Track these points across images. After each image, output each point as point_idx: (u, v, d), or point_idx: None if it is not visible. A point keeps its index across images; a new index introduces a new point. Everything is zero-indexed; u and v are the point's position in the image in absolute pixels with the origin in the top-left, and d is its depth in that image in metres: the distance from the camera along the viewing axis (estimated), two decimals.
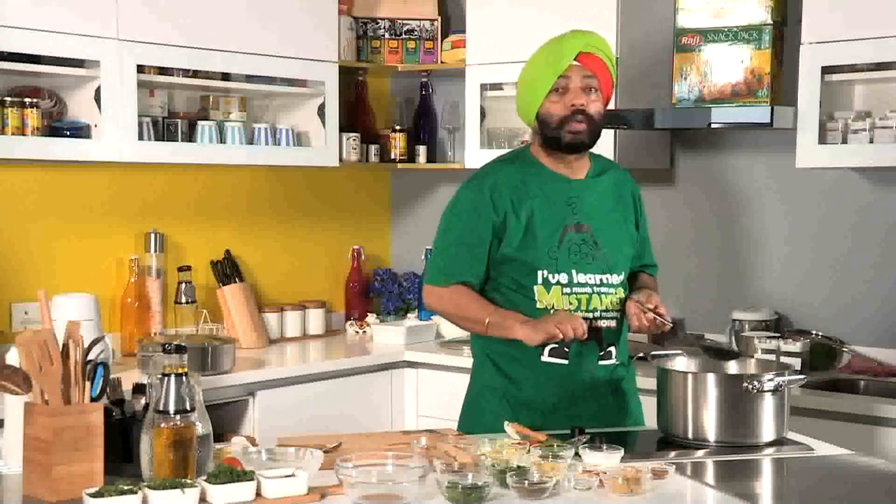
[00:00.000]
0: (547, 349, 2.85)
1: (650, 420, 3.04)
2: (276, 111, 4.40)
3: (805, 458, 2.63)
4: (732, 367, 2.89)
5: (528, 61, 2.95)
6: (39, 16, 3.47)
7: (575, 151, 2.89)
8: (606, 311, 2.88)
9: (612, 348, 2.89)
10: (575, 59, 2.84)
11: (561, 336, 2.72)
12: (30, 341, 2.24)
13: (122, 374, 2.73)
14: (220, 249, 4.35)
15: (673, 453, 2.61)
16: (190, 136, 4.04)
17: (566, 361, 2.86)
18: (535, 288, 2.85)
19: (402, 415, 4.23)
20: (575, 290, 2.85)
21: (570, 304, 2.84)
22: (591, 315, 2.85)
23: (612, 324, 2.90)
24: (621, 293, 2.91)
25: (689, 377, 2.72)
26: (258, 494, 2.18)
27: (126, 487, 2.09)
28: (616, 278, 2.91)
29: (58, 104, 3.76)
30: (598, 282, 2.87)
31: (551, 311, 2.84)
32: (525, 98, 2.93)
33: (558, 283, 2.84)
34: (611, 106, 4.02)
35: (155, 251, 4.15)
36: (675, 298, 4.38)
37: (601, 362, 2.88)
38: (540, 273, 2.84)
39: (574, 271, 2.85)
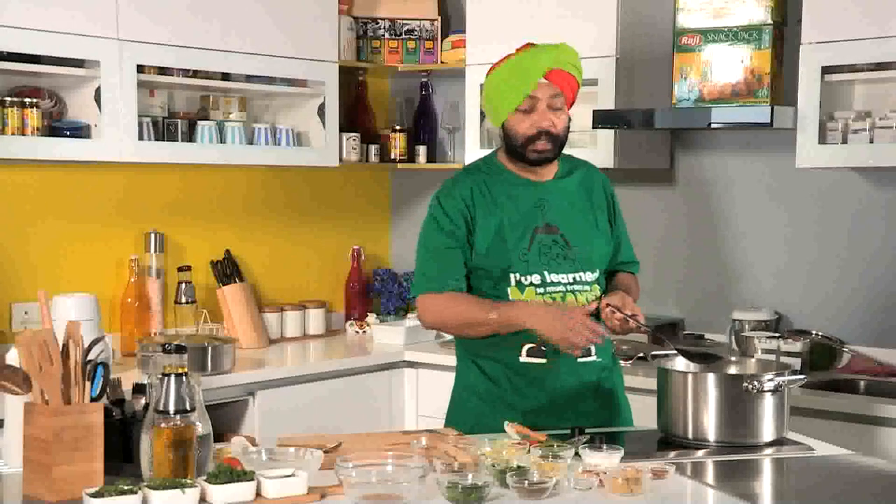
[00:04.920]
0: (525, 349, 2.87)
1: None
2: (276, 111, 4.40)
3: (805, 458, 2.63)
4: (732, 366, 2.89)
5: (495, 70, 2.91)
6: (39, 16, 3.48)
7: (539, 165, 2.92)
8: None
9: (591, 346, 2.86)
10: (544, 77, 2.82)
11: (579, 347, 2.75)
12: (30, 341, 2.25)
13: (122, 374, 2.73)
14: (220, 249, 4.35)
15: (673, 453, 2.61)
16: (190, 136, 4.04)
17: (544, 360, 2.87)
18: (509, 289, 2.87)
19: (402, 415, 4.23)
20: (549, 289, 2.87)
21: (545, 303, 2.86)
22: None
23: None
24: (597, 290, 2.93)
25: (689, 377, 2.72)
26: (258, 494, 2.18)
27: (126, 487, 2.09)
28: (590, 276, 2.92)
29: (58, 104, 3.76)
30: (571, 280, 2.89)
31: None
32: (490, 105, 2.94)
33: (531, 283, 2.86)
34: (611, 106, 4.05)
35: (155, 251, 4.15)
36: (675, 298, 4.39)
37: (580, 360, 2.88)
38: (513, 276, 2.87)
39: (546, 272, 2.87)
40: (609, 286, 3.00)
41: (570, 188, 2.98)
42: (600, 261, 2.97)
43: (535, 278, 2.86)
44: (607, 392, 2.97)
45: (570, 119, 2.93)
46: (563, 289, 2.87)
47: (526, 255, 2.87)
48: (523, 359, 2.87)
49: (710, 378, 2.70)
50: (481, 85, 3.00)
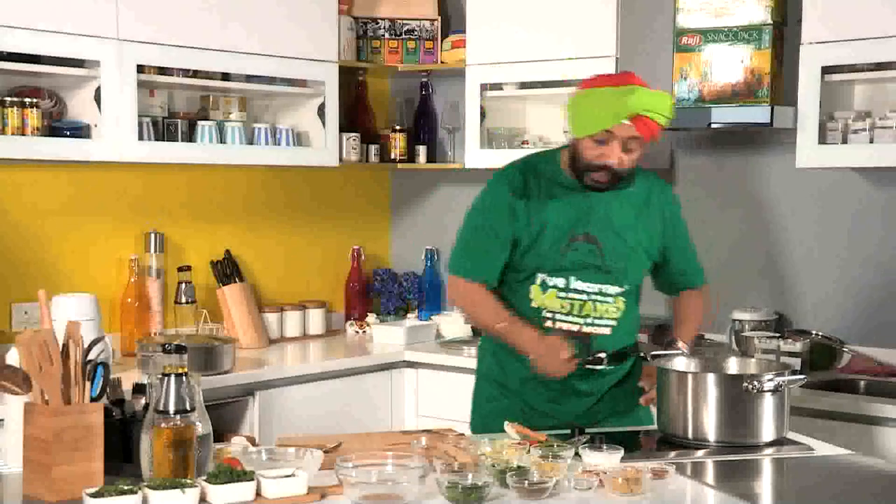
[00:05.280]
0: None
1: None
2: (276, 111, 4.39)
3: (805, 458, 2.63)
4: (732, 366, 2.89)
5: (588, 90, 2.88)
6: (39, 16, 3.47)
7: (593, 191, 2.93)
8: (600, 318, 2.93)
9: (602, 354, 2.89)
10: (628, 118, 2.79)
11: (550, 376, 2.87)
12: (30, 341, 2.25)
13: (122, 374, 2.73)
14: (220, 249, 4.35)
15: (673, 453, 2.62)
16: (190, 136, 4.03)
17: (601, 367, 2.92)
18: (532, 287, 2.92)
19: (402, 415, 4.23)
20: (570, 294, 2.91)
21: (563, 307, 2.91)
22: (581, 321, 2.92)
23: (606, 331, 2.94)
24: (620, 303, 2.95)
25: (689, 377, 2.72)
26: (258, 494, 2.18)
27: (126, 487, 2.09)
28: (616, 289, 2.94)
29: (58, 104, 3.76)
30: (596, 290, 2.92)
31: (544, 312, 2.91)
32: (573, 119, 2.92)
33: (555, 286, 2.91)
34: None
35: (155, 251, 4.15)
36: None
37: (588, 366, 2.91)
38: (539, 275, 2.92)
39: (573, 278, 2.91)
40: (676, 311, 3.14)
41: (625, 200, 2.97)
42: (634, 277, 2.99)
43: (560, 282, 2.91)
44: (620, 394, 3.01)
45: (640, 156, 2.91)
46: (586, 297, 2.92)
47: (558, 258, 2.91)
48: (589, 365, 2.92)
49: (710, 378, 2.70)
50: (570, 97, 2.95)
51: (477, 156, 4.41)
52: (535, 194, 2.93)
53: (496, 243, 2.94)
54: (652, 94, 2.82)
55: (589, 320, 2.92)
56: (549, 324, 2.92)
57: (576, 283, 2.91)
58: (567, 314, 2.91)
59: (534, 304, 2.93)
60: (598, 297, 2.92)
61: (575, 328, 2.91)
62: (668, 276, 3.10)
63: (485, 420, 3.05)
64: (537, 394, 2.98)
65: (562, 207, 2.93)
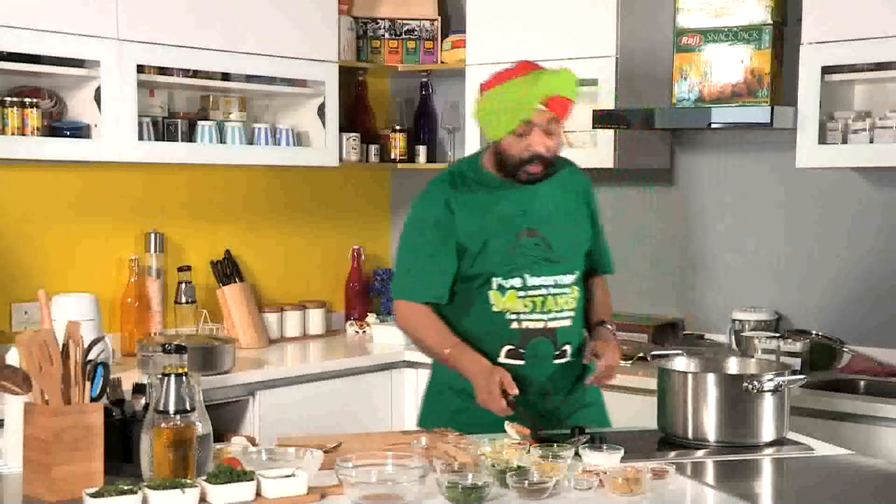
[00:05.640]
0: (504, 350, 2.90)
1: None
2: (276, 111, 4.39)
3: (805, 458, 2.63)
4: (732, 366, 2.89)
5: (493, 89, 2.89)
6: (39, 16, 3.47)
7: (529, 184, 2.94)
8: (561, 311, 2.93)
9: (567, 346, 2.93)
10: (541, 104, 2.82)
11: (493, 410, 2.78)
12: (30, 341, 2.25)
13: (122, 374, 2.73)
14: (220, 249, 4.35)
15: (673, 453, 2.62)
16: (190, 136, 4.03)
17: (522, 362, 2.90)
18: (490, 293, 2.90)
19: (402, 415, 4.23)
20: (529, 293, 2.90)
21: (526, 306, 2.89)
22: (545, 317, 2.90)
23: (567, 323, 2.94)
24: (576, 292, 2.96)
25: (689, 377, 2.72)
26: (258, 494, 2.18)
27: (126, 487, 2.09)
28: (570, 278, 2.95)
29: (58, 104, 3.76)
30: (552, 283, 2.92)
31: (507, 314, 2.89)
32: (485, 124, 2.94)
33: (512, 287, 2.89)
34: (611, 106, 4.05)
35: (155, 251, 4.15)
36: (675, 298, 4.39)
37: (556, 361, 2.93)
38: (495, 280, 2.90)
39: (527, 275, 2.90)
40: (588, 298, 3.06)
41: (553, 190, 2.98)
42: (580, 263, 3.00)
43: (517, 282, 2.89)
44: (581, 389, 2.99)
45: (562, 138, 2.94)
46: (545, 291, 2.91)
47: (508, 259, 2.89)
48: (502, 360, 2.90)
49: (710, 378, 2.70)
50: (475, 104, 2.97)
51: None
52: (470, 200, 2.92)
53: (441, 257, 2.90)
54: (554, 73, 2.86)
55: (551, 315, 2.91)
56: (515, 325, 2.89)
57: (532, 280, 2.89)
58: (531, 312, 2.90)
59: (496, 309, 2.89)
60: (555, 290, 2.92)
61: (540, 325, 2.90)
62: (590, 260, 3.05)
63: (432, 416, 3.03)
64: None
65: (499, 208, 2.92)
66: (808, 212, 4.09)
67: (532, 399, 2.87)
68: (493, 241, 2.89)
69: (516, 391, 2.73)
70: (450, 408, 2.97)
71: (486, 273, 2.89)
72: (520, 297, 2.89)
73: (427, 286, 2.92)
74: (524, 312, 2.89)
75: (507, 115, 2.83)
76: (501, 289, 2.89)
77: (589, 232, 3.03)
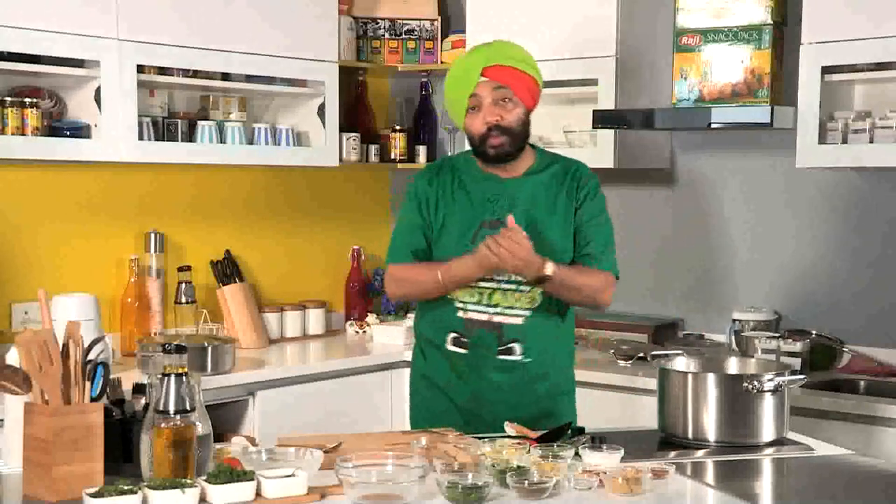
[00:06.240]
0: (450, 338, 2.97)
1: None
2: (276, 111, 4.39)
3: (805, 458, 2.63)
4: (732, 366, 2.89)
5: (445, 79, 3.00)
6: (40, 16, 3.47)
7: (502, 161, 2.96)
8: (510, 307, 2.93)
9: (515, 344, 2.92)
10: (481, 75, 2.88)
11: (499, 264, 2.79)
12: (30, 341, 2.25)
13: (122, 374, 2.73)
14: (220, 249, 4.35)
15: (673, 453, 2.62)
16: (190, 136, 4.03)
17: (465, 351, 2.96)
18: None
19: (402, 415, 4.22)
20: (478, 283, 2.92)
21: (472, 296, 2.93)
22: (490, 310, 2.93)
23: (518, 321, 2.93)
24: (536, 293, 2.93)
25: (689, 377, 2.72)
26: (258, 494, 2.18)
27: (126, 487, 2.09)
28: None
29: (58, 104, 3.76)
30: (505, 278, 2.91)
31: (456, 302, 2.94)
32: (450, 111, 3.03)
33: None
34: (611, 106, 4.05)
35: (155, 251, 4.15)
36: (675, 298, 4.39)
37: (500, 357, 2.93)
38: None
39: None
40: None
41: (535, 186, 2.97)
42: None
43: None
44: (542, 399, 2.99)
45: (526, 112, 2.94)
46: (495, 285, 2.92)
47: (464, 246, 2.92)
48: (449, 347, 2.96)
49: (710, 378, 2.70)
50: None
51: None
52: (445, 187, 3.00)
53: (417, 224, 3.00)
54: (488, 44, 2.95)
55: (498, 309, 2.92)
56: (461, 314, 2.94)
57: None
58: (476, 304, 2.93)
59: (450, 296, 2.95)
60: (509, 286, 2.91)
61: (485, 317, 2.93)
62: (580, 258, 2.98)
63: (415, 412, 3.12)
64: (459, 392, 2.99)
65: (468, 196, 2.97)
66: (808, 212, 4.09)
67: (484, 397, 2.95)
68: (453, 227, 2.95)
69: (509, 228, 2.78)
70: (426, 399, 3.05)
71: (442, 256, 2.95)
72: (470, 285, 2.92)
73: (407, 244, 3.02)
74: (470, 302, 2.94)
75: (457, 94, 2.93)
76: None
77: (570, 237, 2.97)
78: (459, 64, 2.95)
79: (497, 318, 2.93)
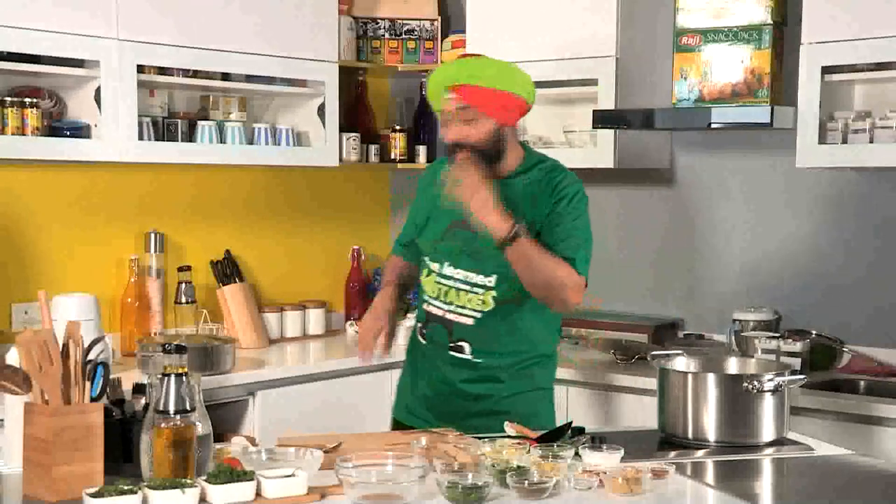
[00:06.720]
0: (419, 326, 3.10)
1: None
2: (276, 111, 4.39)
3: (805, 458, 2.63)
4: (732, 366, 2.89)
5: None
6: (39, 16, 3.47)
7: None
8: (463, 307, 2.97)
9: (465, 344, 2.97)
10: (448, 93, 2.90)
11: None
12: (30, 341, 2.25)
13: (122, 374, 2.73)
14: (220, 249, 4.35)
15: (673, 453, 2.62)
16: (190, 136, 4.03)
17: (424, 342, 3.08)
18: (424, 269, 3.06)
19: None
20: (440, 280, 3.01)
21: (433, 291, 3.02)
22: (445, 307, 3.00)
23: (469, 322, 2.96)
24: (489, 297, 2.94)
25: (689, 377, 2.72)
26: (258, 494, 2.18)
27: (126, 487, 2.09)
28: (483, 279, 2.93)
29: (58, 104, 3.76)
30: (462, 278, 2.97)
31: (425, 294, 3.05)
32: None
33: (433, 270, 3.02)
34: (611, 106, 4.05)
35: (155, 251, 4.14)
36: (675, 298, 4.39)
37: (452, 353, 2.99)
38: (425, 259, 3.06)
39: (447, 263, 2.99)
40: None
41: (513, 188, 2.96)
42: (505, 268, 2.87)
43: (436, 266, 3.02)
44: (499, 397, 2.99)
45: (499, 126, 2.91)
46: (453, 283, 2.98)
47: (438, 244, 3.01)
48: (418, 335, 3.10)
49: (710, 378, 2.70)
50: None
51: None
52: (430, 184, 3.08)
53: (410, 222, 3.18)
54: (457, 63, 3.00)
55: (452, 307, 2.98)
56: (425, 305, 3.05)
57: (447, 270, 2.98)
58: (435, 298, 3.01)
59: (423, 286, 3.07)
60: (463, 286, 2.96)
61: (440, 313, 3.01)
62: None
63: (396, 395, 3.22)
64: (421, 381, 3.09)
65: (448, 195, 2.97)
66: (808, 212, 4.09)
67: (434, 392, 3.03)
68: (431, 224, 3.05)
69: (383, 353, 3.09)
70: (408, 392, 3.14)
71: (422, 250, 3.07)
72: (435, 280, 3.01)
73: (401, 237, 3.24)
74: (431, 297, 3.03)
75: (433, 106, 3.03)
76: (428, 269, 3.03)
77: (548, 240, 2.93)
78: (432, 79, 3.00)
79: (450, 316, 3.00)
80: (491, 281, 2.93)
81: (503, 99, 2.91)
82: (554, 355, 3.10)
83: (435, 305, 3.01)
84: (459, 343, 2.97)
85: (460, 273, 2.95)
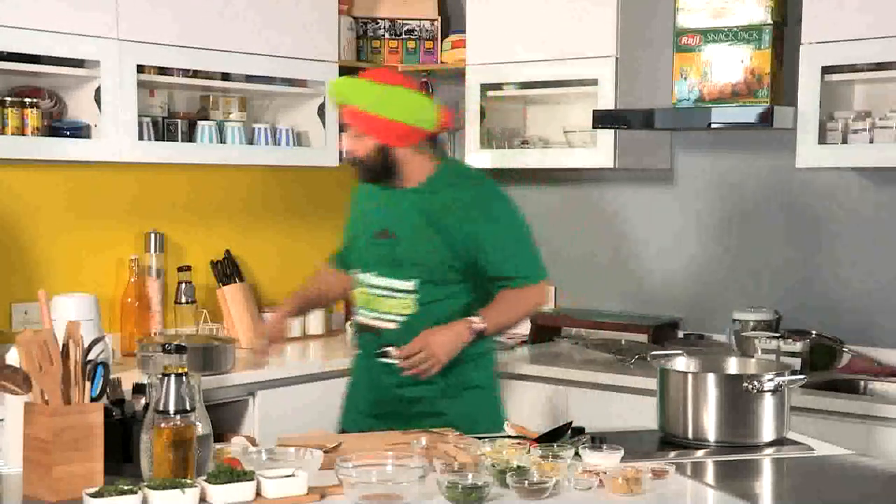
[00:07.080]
0: (354, 336, 3.24)
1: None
2: (276, 111, 4.39)
3: (805, 458, 2.63)
4: (732, 366, 2.89)
5: None
6: (40, 16, 3.47)
7: (370, 182, 3.07)
8: (387, 313, 3.04)
9: (390, 348, 3.01)
10: (338, 109, 3.08)
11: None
12: (30, 341, 2.25)
13: (122, 374, 2.73)
14: (220, 249, 4.34)
15: (673, 453, 2.61)
16: (190, 136, 4.03)
17: (358, 351, 3.19)
18: (356, 284, 3.15)
19: None
20: (367, 289, 3.09)
21: (361, 301, 3.12)
22: (371, 314, 3.08)
23: (391, 325, 3.03)
24: (411, 301, 3.01)
25: (689, 377, 2.72)
26: (258, 494, 2.18)
27: (126, 487, 2.09)
28: (407, 284, 3.01)
29: (58, 104, 3.76)
30: (385, 285, 3.04)
31: (356, 304, 3.16)
32: None
33: (360, 281, 3.11)
34: (611, 106, 4.06)
35: (155, 251, 4.14)
36: (675, 298, 4.39)
37: (379, 359, 3.04)
38: (355, 272, 3.14)
39: (372, 273, 3.07)
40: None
41: (427, 198, 3.01)
42: (428, 272, 2.98)
43: (364, 277, 3.09)
44: (432, 399, 3.03)
45: (383, 148, 2.96)
46: (377, 292, 3.06)
47: (362, 255, 3.10)
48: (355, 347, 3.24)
49: (710, 378, 2.70)
50: None
51: (477, 156, 4.41)
52: (362, 195, 3.17)
53: (345, 234, 3.30)
54: (345, 80, 3.07)
55: (376, 314, 3.06)
56: (356, 315, 3.17)
57: (371, 279, 3.06)
58: (363, 307, 3.10)
59: (355, 298, 3.16)
60: (386, 293, 3.03)
61: (367, 321, 3.09)
62: (487, 274, 3.00)
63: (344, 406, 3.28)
64: (360, 390, 3.18)
65: (369, 206, 3.13)
66: (808, 212, 4.09)
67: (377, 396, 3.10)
68: (358, 236, 3.15)
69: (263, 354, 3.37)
70: (353, 404, 3.22)
71: (353, 263, 3.15)
72: (361, 290, 3.10)
73: (333, 254, 3.37)
74: (361, 306, 3.11)
75: None
76: (357, 280, 3.11)
77: (449, 250, 2.97)
78: (329, 89, 3.15)
79: (375, 323, 3.07)
80: (411, 285, 3.00)
81: (381, 124, 2.95)
82: (489, 353, 3.13)
83: (363, 314, 3.11)
84: (386, 348, 3.02)
85: (383, 281, 3.04)
